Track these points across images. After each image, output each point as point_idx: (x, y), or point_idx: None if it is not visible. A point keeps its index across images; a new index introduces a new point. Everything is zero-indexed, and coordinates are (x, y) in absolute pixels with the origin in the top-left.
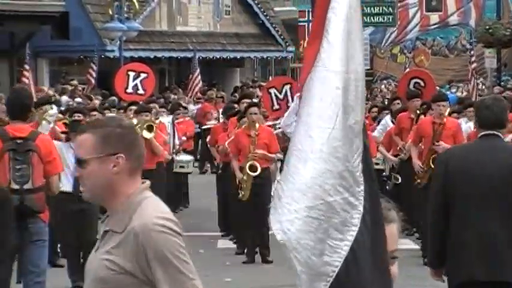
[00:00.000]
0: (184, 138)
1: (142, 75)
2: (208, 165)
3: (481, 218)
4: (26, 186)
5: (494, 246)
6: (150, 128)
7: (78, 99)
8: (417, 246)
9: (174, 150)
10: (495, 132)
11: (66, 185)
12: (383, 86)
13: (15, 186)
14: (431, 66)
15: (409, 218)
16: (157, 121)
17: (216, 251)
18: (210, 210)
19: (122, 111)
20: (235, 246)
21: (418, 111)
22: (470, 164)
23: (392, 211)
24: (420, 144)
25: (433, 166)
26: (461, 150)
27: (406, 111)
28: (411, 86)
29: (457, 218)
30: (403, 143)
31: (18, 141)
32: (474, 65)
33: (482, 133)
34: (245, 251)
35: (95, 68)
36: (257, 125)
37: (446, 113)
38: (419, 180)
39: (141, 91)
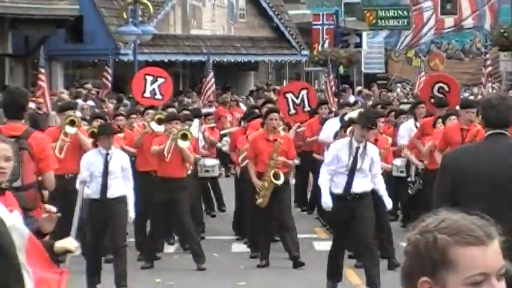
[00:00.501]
0: (218, 143)
1: (160, 80)
2: (223, 169)
3: (492, 219)
4: (15, 184)
5: (507, 247)
6: (184, 137)
7: (91, 103)
8: None
9: (200, 155)
10: (502, 131)
11: (94, 192)
12: (398, 90)
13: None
14: (446, 69)
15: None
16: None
17: (231, 254)
18: (224, 213)
19: (139, 115)
20: (248, 249)
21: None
22: (478, 164)
23: (492, 226)
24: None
25: None
26: (468, 150)
27: (431, 117)
28: (435, 91)
29: None
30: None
31: (12, 140)
32: (489, 68)
33: (489, 132)
34: (259, 254)
35: (110, 71)
36: (282, 132)
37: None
38: None
39: (158, 96)
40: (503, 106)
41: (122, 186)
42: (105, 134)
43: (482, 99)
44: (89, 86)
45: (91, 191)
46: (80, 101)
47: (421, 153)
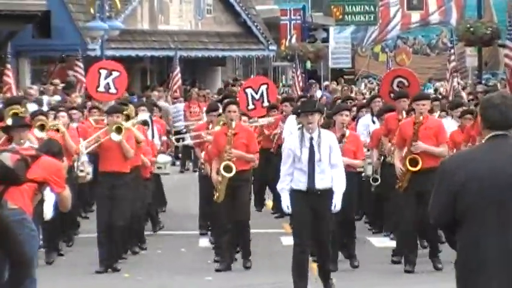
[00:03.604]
0: (164, 138)
1: (115, 74)
2: (190, 164)
3: (500, 231)
4: None
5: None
6: (118, 130)
7: (57, 98)
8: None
9: (156, 152)
10: (504, 133)
11: None
12: (362, 86)
13: None
14: (412, 64)
15: (386, 219)
16: (135, 121)
17: (198, 249)
18: (191, 209)
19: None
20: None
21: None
22: (482, 170)
23: None
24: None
25: (410, 168)
26: (468, 155)
27: (393, 112)
28: (395, 86)
29: (470, 233)
30: (390, 145)
31: None
32: (453, 63)
33: (491, 134)
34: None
35: (81, 66)
36: (234, 124)
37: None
38: (400, 184)
39: (112, 90)
40: (505, 106)
41: None
42: (17, 127)
43: (482, 97)
44: (56, 81)
45: None
46: (46, 97)
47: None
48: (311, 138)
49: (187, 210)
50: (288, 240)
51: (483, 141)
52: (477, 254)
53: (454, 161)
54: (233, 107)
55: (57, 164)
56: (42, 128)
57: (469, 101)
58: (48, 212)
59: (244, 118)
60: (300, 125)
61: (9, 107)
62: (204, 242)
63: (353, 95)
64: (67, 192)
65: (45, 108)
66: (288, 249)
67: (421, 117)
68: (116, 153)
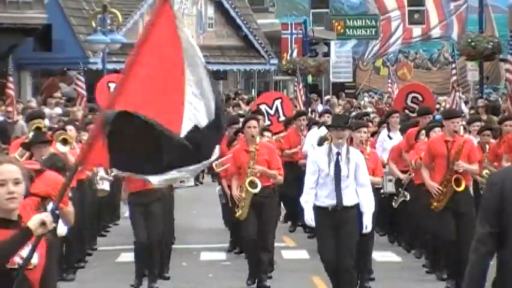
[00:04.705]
0: None
1: None
2: (192, 178)
3: None
4: None
5: None
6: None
7: (58, 110)
8: (399, 259)
9: None
10: None
11: None
12: (365, 100)
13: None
14: (413, 79)
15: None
16: None
17: (199, 263)
18: (194, 222)
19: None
20: (217, 258)
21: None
22: None
23: None
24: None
25: (457, 188)
26: None
27: (415, 127)
28: (409, 101)
29: (509, 250)
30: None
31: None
32: (454, 77)
33: None
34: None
35: (82, 79)
36: (258, 140)
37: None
38: (435, 204)
39: None
40: None
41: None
42: (37, 143)
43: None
44: (58, 94)
45: None
46: (47, 109)
47: (407, 165)
48: (338, 154)
49: (189, 224)
50: (289, 254)
51: None
52: None
53: (501, 175)
54: (253, 123)
55: (61, 179)
56: (65, 142)
57: (470, 115)
58: (61, 230)
59: (267, 134)
60: (325, 137)
61: (32, 121)
62: (206, 255)
63: (352, 109)
64: (70, 208)
65: (47, 122)
66: (289, 262)
67: (464, 137)
68: None
